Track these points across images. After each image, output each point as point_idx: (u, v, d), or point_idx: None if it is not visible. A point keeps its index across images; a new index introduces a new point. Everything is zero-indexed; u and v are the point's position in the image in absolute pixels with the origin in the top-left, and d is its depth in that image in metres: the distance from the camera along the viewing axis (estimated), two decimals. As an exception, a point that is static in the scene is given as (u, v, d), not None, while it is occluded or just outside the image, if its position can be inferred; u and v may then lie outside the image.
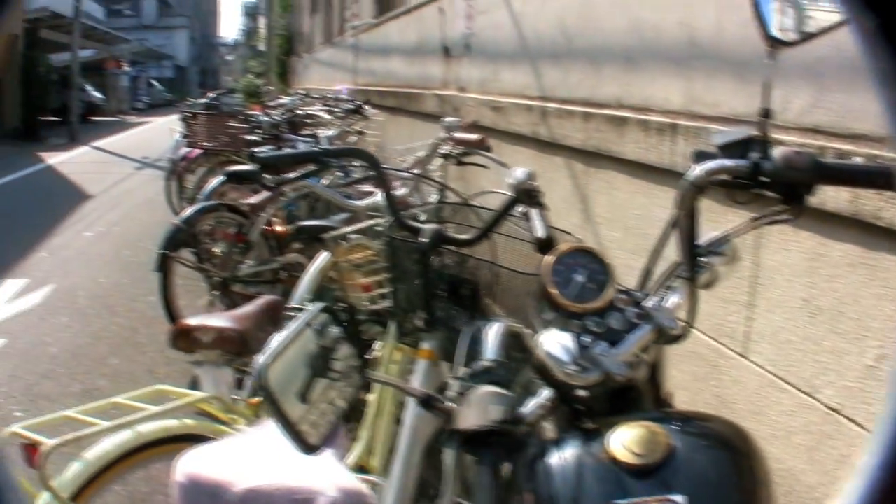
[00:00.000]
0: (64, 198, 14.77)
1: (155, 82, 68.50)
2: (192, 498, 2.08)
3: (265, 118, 8.34)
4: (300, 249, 5.68)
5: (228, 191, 6.59)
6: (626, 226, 3.84)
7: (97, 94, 41.51)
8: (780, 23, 1.46)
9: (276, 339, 1.28)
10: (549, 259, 1.47)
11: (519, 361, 1.54)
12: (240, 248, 5.69)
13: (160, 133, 21.03)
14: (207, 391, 2.68)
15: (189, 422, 2.51)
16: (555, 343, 1.36)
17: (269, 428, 2.21)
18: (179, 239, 5.58)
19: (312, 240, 4.17)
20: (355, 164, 4.67)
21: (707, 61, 3.21)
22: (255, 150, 3.60)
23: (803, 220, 1.47)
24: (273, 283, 5.88)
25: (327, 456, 2.11)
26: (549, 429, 1.43)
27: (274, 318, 2.90)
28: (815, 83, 2.52)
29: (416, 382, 2.32)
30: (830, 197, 2.33)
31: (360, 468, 2.80)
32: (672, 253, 1.52)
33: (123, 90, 52.97)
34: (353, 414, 2.77)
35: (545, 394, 1.39)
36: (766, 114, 1.47)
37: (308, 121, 8.51)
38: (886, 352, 2.27)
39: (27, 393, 5.47)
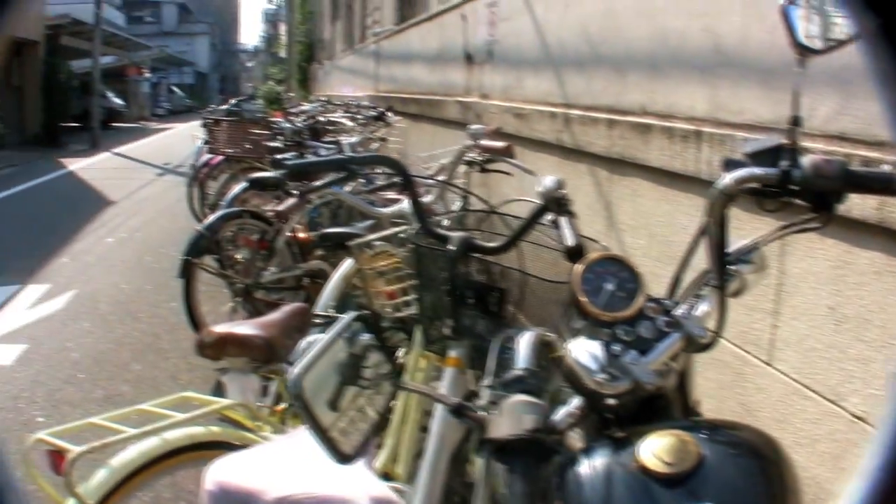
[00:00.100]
0: (85, 204, 14.84)
1: (175, 89, 68.80)
2: (222, 506, 2.08)
3: (287, 125, 8.36)
4: (322, 256, 5.69)
5: (251, 197, 6.61)
6: (650, 233, 3.83)
7: (118, 101, 41.74)
8: (806, 30, 1.46)
9: (311, 348, 1.28)
10: (579, 267, 1.47)
11: (548, 370, 1.54)
12: (262, 254, 5.70)
13: (181, 139, 21.11)
14: (233, 398, 2.68)
15: (215, 429, 2.51)
16: (584, 351, 1.36)
17: (299, 436, 2.22)
18: (203, 245, 5.60)
19: (336, 247, 4.16)
20: (378, 171, 4.68)
21: (732, 68, 3.20)
22: (281, 156, 3.61)
23: (829, 227, 1.47)
24: (296, 289, 5.89)
25: (359, 464, 2.11)
26: (576, 437, 1.43)
27: (300, 325, 2.89)
28: (841, 90, 2.51)
29: (444, 390, 2.31)
30: (856, 204, 2.32)
31: (385, 475, 2.80)
32: (699, 261, 1.52)
33: (144, 96, 53.16)
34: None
35: (574, 402, 1.40)
36: (796, 122, 1.46)
37: (330, 127, 8.53)
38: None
39: (49, 398, 5.50)
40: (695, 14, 3.48)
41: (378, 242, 3.10)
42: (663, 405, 1.44)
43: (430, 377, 2.77)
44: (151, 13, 78.11)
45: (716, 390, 3.16)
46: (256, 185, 4.07)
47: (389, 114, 8.11)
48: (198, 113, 17.46)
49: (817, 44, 1.45)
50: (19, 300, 8.07)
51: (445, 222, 2.91)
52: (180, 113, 57.96)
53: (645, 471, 1.16)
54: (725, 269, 1.48)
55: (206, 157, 10.24)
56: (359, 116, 8.59)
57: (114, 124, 37.64)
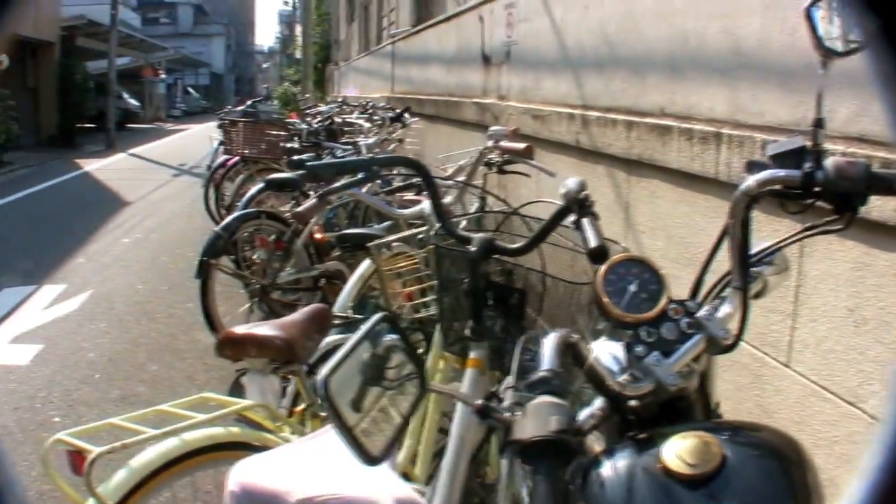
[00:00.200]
0: (101, 204, 14.89)
1: (191, 90, 69.00)
2: (245, 508, 2.08)
3: (304, 126, 8.36)
4: (339, 257, 5.70)
5: (267, 198, 6.63)
6: (668, 235, 3.83)
7: (134, 102, 41.90)
8: (827, 32, 1.46)
9: (336, 349, 1.28)
10: (602, 269, 1.47)
11: (571, 371, 1.55)
12: (279, 255, 5.70)
13: (196, 140, 21.16)
14: (253, 399, 2.68)
15: (235, 430, 2.51)
16: (607, 353, 1.37)
17: (321, 437, 2.22)
18: (220, 246, 5.60)
19: (354, 248, 4.16)
20: (395, 172, 4.68)
21: (752, 70, 3.20)
22: (297, 157, 3.61)
23: (848, 229, 1.47)
24: (312, 290, 5.90)
25: (383, 466, 2.11)
26: (594, 439, 1.43)
27: (320, 326, 2.89)
28: (861, 92, 2.51)
29: (464, 392, 2.30)
30: (876, 206, 2.31)
31: (403, 476, 2.80)
32: (719, 263, 1.52)
33: (160, 97, 53.35)
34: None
35: (597, 403, 1.40)
36: (819, 124, 1.46)
37: (346, 129, 8.54)
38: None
39: (66, 398, 5.51)
40: (714, 15, 3.48)
41: (396, 244, 3.11)
42: (685, 406, 1.44)
43: (449, 378, 2.77)
44: (167, 14, 78.42)
45: (733, 392, 3.15)
46: (273, 186, 4.07)
47: (407, 115, 8.11)
48: (213, 114, 17.50)
49: (838, 46, 1.45)
50: (35, 300, 8.09)
51: (464, 223, 2.90)
52: (196, 114, 58.15)
53: (668, 472, 1.15)
54: (748, 271, 1.48)
55: (223, 157, 10.26)
56: (375, 117, 8.59)
57: (129, 125, 37.82)
